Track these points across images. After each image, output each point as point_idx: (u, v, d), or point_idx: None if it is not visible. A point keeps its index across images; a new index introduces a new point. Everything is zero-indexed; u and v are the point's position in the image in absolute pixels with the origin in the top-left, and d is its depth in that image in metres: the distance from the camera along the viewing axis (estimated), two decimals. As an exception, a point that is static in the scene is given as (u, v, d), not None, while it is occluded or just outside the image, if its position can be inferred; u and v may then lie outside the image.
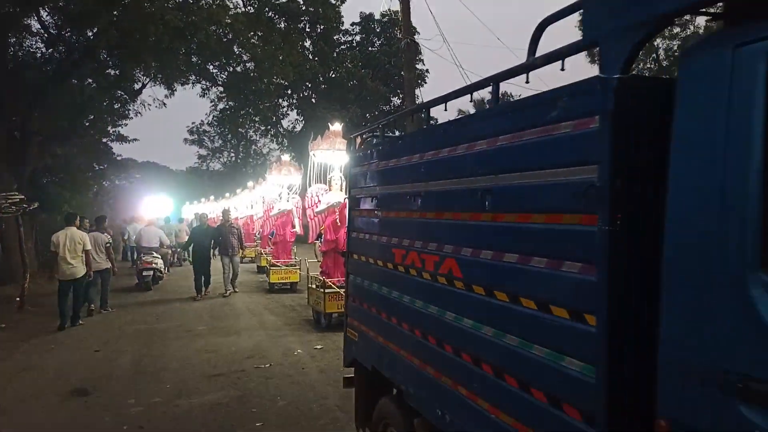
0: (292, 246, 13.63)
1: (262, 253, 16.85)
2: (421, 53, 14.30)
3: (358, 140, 4.41)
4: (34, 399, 5.86)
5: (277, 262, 13.18)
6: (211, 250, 12.44)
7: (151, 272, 13.97)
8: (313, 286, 9.15)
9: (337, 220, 8.64)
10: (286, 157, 13.98)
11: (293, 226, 13.16)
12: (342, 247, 8.68)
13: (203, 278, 12.33)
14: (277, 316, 10.11)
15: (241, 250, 12.71)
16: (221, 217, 12.99)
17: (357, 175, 3.98)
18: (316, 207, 9.01)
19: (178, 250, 22.28)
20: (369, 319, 3.61)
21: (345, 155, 8.72)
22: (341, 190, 8.86)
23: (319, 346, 7.74)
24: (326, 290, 8.44)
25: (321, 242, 9.48)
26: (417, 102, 14.18)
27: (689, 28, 31.58)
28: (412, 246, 2.99)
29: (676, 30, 31.99)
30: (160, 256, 14.55)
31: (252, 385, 6.15)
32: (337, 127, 9.10)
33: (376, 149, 3.68)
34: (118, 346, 8.21)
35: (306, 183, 9.14)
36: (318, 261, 9.80)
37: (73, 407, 5.60)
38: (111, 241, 11.03)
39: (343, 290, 8.26)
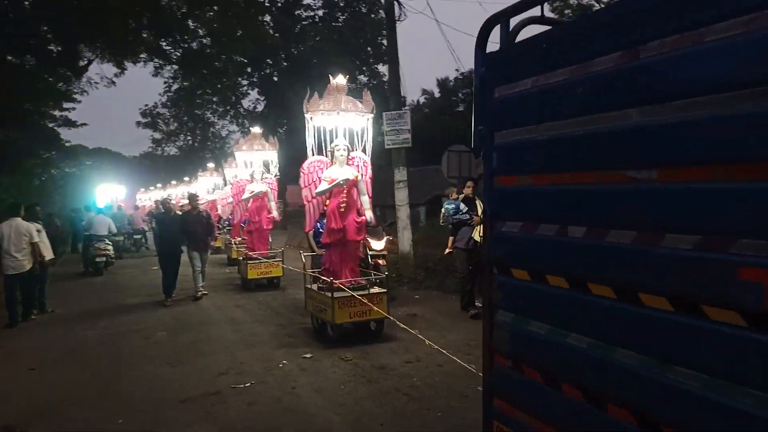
0: (269, 234, 11.87)
1: (232, 243, 14.93)
2: (404, 15, 12.78)
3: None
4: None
5: (254, 254, 11.21)
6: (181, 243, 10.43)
7: (104, 258, 14.64)
8: (314, 288, 7.34)
9: (341, 205, 6.83)
10: (257, 129, 12.04)
11: (269, 211, 11.39)
12: (352, 237, 6.99)
13: (173, 278, 10.28)
14: (254, 318, 8.69)
15: (212, 242, 10.82)
16: (187, 204, 11.14)
17: (514, 102, 2.16)
18: (315, 186, 7.01)
19: (135, 236, 21.64)
20: (588, 423, 1.81)
21: (354, 116, 7.04)
22: (348, 163, 7.07)
23: (308, 355, 6.42)
24: (335, 294, 6.61)
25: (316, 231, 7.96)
26: (399, 70, 12.85)
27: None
28: None
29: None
30: (111, 243, 15.24)
31: (232, 415, 4.83)
32: (341, 80, 7.10)
33: (612, 18, 1.79)
34: (59, 361, 6.74)
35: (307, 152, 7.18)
36: (318, 253, 8.11)
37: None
38: (40, 228, 9.36)
39: (359, 293, 6.53)
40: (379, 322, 6.95)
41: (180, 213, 11.12)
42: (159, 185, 34.34)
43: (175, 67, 33.92)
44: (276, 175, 11.50)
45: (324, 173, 6.95)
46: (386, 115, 12.22)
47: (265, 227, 11.46)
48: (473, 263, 8.14)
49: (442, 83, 45.00)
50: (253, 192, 11.27)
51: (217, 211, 17.93)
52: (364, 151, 7.24)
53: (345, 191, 6.89)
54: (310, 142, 7.01)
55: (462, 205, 8.20)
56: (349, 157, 7.07)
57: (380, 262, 8.75)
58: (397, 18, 12.54)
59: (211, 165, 20.58)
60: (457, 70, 44.28)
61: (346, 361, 6.17)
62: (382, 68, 34.94)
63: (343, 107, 6.89)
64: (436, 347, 5.30)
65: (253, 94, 36.94)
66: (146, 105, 42.14)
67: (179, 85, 36.68)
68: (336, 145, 6.98)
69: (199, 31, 31.50)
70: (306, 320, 7.91)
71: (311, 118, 7.02)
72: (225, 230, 16.98)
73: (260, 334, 7.58)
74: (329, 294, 6.65)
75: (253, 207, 11.38)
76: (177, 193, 26.60)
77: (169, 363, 6.42)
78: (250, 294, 10.84)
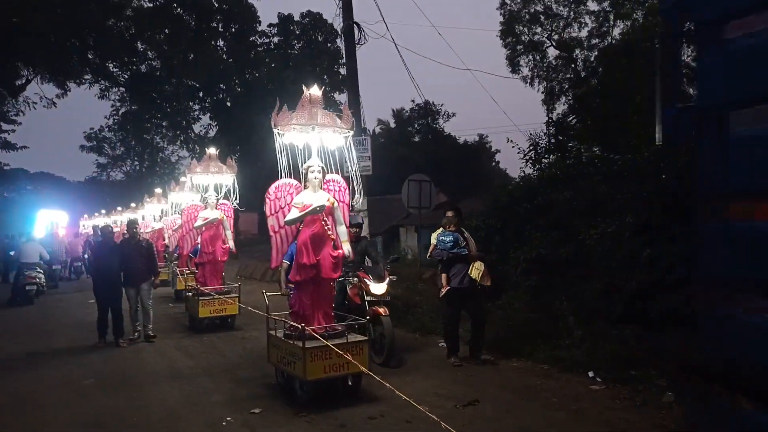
0: (224, 267, 10.54)
1: (179, 275, 13.24)
2: (365, 39, 12.36)
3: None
4: None
5: (206, 289, 9.80)
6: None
7: (34, 287, 14.23)
8: (279, 335, 6.02)
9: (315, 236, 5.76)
10: (212, 150, 10.65)
11: (225, 242, 10.10)
12: (327, 274, 5.89)
13: (114, 318, 8.97)
14: (202, 366, 7.58)
15: (154, 278, 9.44)
16: (125, 231, 9.91)
17: None
18: (284, 214, 5.90)
19: (75, 264, 21.29)
20: None
21: (332, 133, 5.98)
22: (321, 188, 5.93)
23: (257, 410, 5.62)
24: (306, 344, 5.36)
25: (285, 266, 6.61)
26: (359, 96, 12.39)
27: (607, 40, 32.20)
28: None
29: (595, 41, 32.57)
30: (42, 272, 14.79)
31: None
32: (315, 91, 5.89)
33: None
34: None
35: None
36: (284, 293, 6.86)
37: None
38: None
39: (336, 343, 5.35)
40: (357, 377, 5.76)
41: (118, 242, 10.04)
42: (103, 211, 32.68)
43: (123, 89, 32.72)
44: (235, 201, 10.27)
45: (295, 198, 5.87)
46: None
47: (219, 259, 10.18)
48: (466, 306, 7.08)
49: (398, 114, 45.10)
50: (206, 219, 10.01)
51: (164, 240, 16.82)
52: (342, 173, 6.22)
53: (320, 220, 5.82)
54: (279, 161, 5.91)
55: (461, 238, 7.02)
56: (325, 180, 6.09)
57: (381, 311, 6.88)
58: (357, 41, 12.11)
59: (158, 190, 19.35)
60: (413, 101, 44.47)
61: (301, 417, 5.39)
62: (338, 97, 34.71)
63: (320, 122, 5.78)
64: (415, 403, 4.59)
65: (205, 119, 36.03)
66: (92, 128, 40.45)
67: (127, 108, 35.38)
68: (310, 166, 5.91)
69: (149, 53, 30.54)
70: (264, 369, 6.80)
71: (281, 134, 5.94)
72: (173, 263, 15.68)
73: (206, 387, 6.53)
74: (299, 343, 5.44)
75: (206, 236, 10.12)
76: (121, 220, 25.19)
77: (95, 423, 5.47)
78: (200, 336, 9.40)
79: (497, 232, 10.66)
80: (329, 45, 34.95)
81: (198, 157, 27.57)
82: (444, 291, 7.08)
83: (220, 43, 33.87)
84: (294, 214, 5.78)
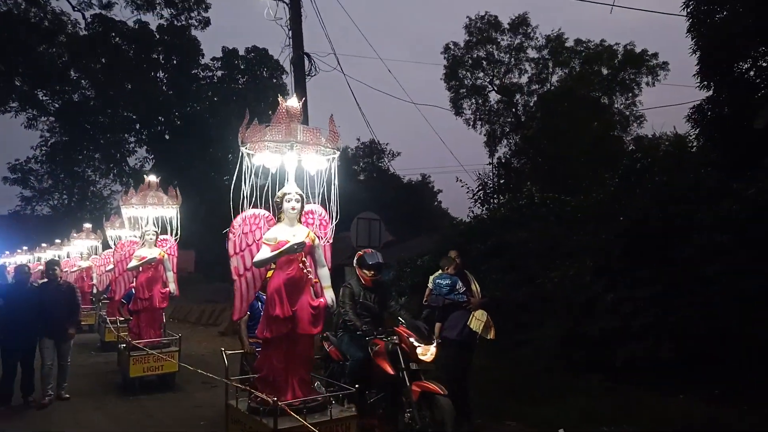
0: (162, 316, 9.08)
1: (107, 325, 11.55)
2: (315, 70, 11.97)
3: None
4: None
5: (140, 343, 8.19)
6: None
7: None
8: (241, 408, 4.82)
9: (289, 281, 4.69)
10: (153, 178, 9.22)
11: (165, 284, 8.73)
12: (305, 329, 4.70)
13: (24, 373, 7.66)
14: None
15: (72, 329, 8.06)
16: (45, 272, 8.71)
17: None
18: (252, 253, 4.77)
19: None
20: None
21: (314, 153, 4.85)
22: (299, 221, 4.87)
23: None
24: (278, 424, 4.20)
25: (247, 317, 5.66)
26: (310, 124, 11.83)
27: (546, 86, 33.42)
28: None
29: (534, 87, 33.75)
30: None
31: None
32: (294, 102, 4.86)
33: None
34: None
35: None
36: (249, 351, 5.77)
37: None
38: None
39: (315, 421, 4.30)
40: None
41: (36, 284, 8.77)
42: (25, 248, 30.47)
43: (53, 119, 31.00)
44: (176, 238, 9.00)
45: (266, 234, 4.76)
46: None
47: (157, 306, 8.71)
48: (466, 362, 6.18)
49: (343, 152, 44.90)
50: (143, 259, 8.57)
51: (91, 281, 15.57)
52: (323, 203, 5.08)
53: (297, 261, 4.72)
54: (246, 188, 4.79)
55: (459, 283, 6.17)
56: (304, 211, 4.97)
57: (432, 387, 5.05)
58: (307, 73, 11.69)
59: (88, 225, 17.99)
60: (358, 139, 44.45)
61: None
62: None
63: (301, 139, 4.73)
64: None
65: (141, 151, 34.49)
66: (17, 159, 37.92)
67: (57, 139, 33.49)
68: (286, 194, 4.79)
69: (83, 82, 29.20)
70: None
71: (249, 153, 4.81)
72: (101, 303, 14.35)
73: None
74: (269, 422, 4.27)
75: (143, 279, 8.65)
76: (45, 257, 23.47)
77: None
78: (132, 400, 7.93)
79: (450, 273, 10.31)
80: (275, 80, 34.53)
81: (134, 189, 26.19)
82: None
83: (161, 74, 32.85)
84: (265, 253, 4.66)
